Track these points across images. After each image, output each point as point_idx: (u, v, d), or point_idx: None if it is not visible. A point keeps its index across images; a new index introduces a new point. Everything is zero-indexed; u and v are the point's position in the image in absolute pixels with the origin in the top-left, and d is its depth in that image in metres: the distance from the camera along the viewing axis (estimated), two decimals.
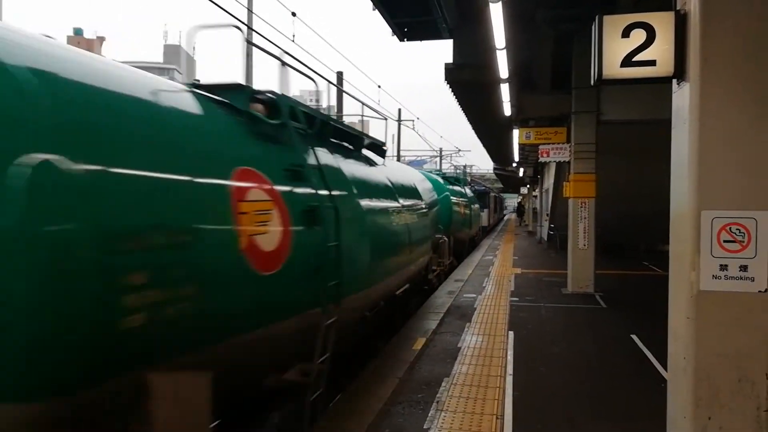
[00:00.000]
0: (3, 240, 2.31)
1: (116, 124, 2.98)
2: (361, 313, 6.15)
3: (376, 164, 7.90)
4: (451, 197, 16.80)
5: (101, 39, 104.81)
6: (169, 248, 3.11)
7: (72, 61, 3.03)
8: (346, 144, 6.77)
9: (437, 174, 19.57)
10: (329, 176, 5.17)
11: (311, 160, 4.96)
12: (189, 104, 3.89)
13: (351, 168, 6.35)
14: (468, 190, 24.36)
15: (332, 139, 6.18)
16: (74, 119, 2.71)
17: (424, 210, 9.95)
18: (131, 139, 3.04)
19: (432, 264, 11.38)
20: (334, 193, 5.08)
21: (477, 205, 26.07)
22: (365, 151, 7.59)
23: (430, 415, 5.11)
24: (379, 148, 8.32)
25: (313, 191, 4.77)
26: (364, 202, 6.27)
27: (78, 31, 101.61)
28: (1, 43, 2.63)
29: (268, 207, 4.10)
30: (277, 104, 4.76)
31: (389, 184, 7.97)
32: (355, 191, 6.02)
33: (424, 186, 11.50)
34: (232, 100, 4.43)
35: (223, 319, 3.50)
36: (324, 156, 5.47)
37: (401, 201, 8.20)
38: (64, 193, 2.50)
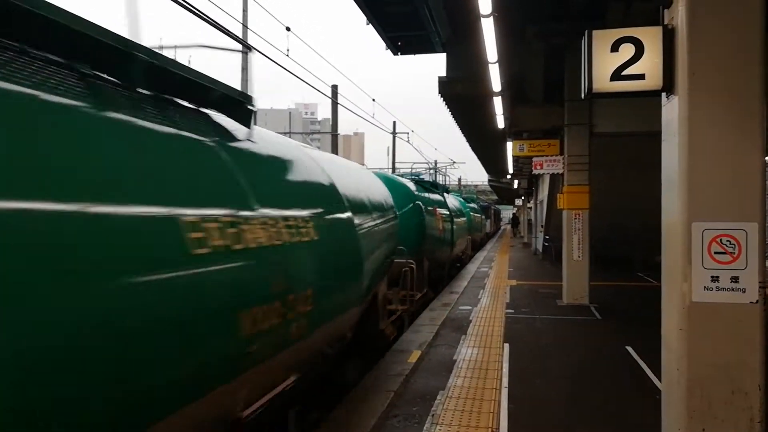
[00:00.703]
0: (414, 218, 11.16)
1: (422, 195, 12.48)
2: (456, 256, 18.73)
3: (447, 196, 17.80)
4: (472, 213, 26.39)
5: None
6: (431, 223, 12.46)
7: (408, 182, 12.42)
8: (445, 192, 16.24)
9: (466, 197, 31.57)
10: (447, 204, 16.04)
11: (443, 200, 15.42)
12: (422, 186, 13.58)
13: (447, 200, 16.37)
14: (478, 207, 34.58)
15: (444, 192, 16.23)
16: (419, 194, 12.20)
17: (467, 219, 21.97)
18: (423, 198, 12.40)
19: (466, 250, 22.76)
20: (450, 212, 15.93)
21: (483, 216, 37.23)
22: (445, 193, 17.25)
23: (425, 428, 5.08)
24: (447, 190, 19.46)
25: (447, 212, 15.42)
26: (453, 215, 16.56)
27: None
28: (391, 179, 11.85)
29: (439, 218, 13.79)
30: (437, 185, 17.69)
31: (456, 205, 19.27)
32: (448, 210, 15.72)
33: (464, 205, 23.37)
34: (424, 183, 14.82)
35: (435, 244, 13.26)
36: (445, 197, 16.26)
37: (459, 214, 18.90)
38: (420, 208, 11.72)
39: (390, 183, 10.47)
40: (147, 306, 2.29)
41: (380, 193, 7.56)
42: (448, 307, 11.48)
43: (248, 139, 4.00)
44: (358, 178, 6.85)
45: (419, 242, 11.30)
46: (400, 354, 7.71)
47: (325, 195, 5.03)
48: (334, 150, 25.21)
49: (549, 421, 5.37)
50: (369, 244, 5.93)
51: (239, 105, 4.00)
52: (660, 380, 4.35)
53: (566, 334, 9.16)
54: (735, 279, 3.60)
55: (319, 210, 4.64)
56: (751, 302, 3.59)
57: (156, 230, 2.47)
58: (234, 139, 3.76)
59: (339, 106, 20.84)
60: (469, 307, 11.41)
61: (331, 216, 4.95)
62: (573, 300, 11.89)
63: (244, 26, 15.44)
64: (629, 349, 8.01)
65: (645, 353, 7.58)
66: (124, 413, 2.16)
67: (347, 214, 5.32)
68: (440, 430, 5.05)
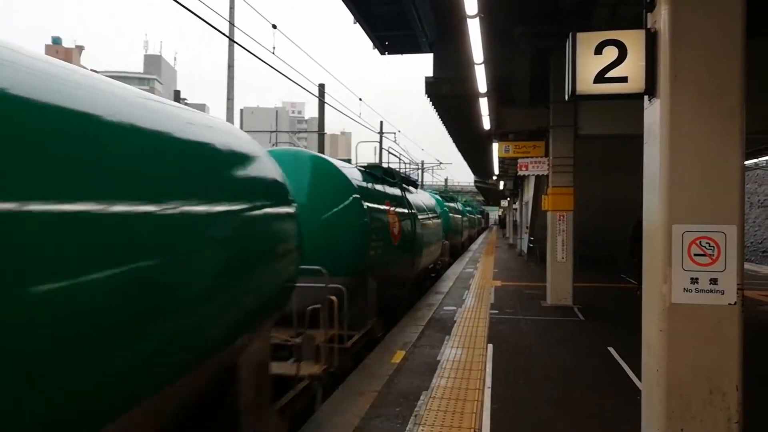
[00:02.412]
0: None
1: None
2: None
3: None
4: (474, 213, 36.69)
5: (80, 48, 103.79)
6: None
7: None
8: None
9: (468, 204, 38.34)
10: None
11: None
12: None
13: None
14: (476, 210, 49.12)
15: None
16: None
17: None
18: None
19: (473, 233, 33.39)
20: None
21: (480, 216, 56.25)
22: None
23: (408, 428, 5.07)
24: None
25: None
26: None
27: (56, 41, 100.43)
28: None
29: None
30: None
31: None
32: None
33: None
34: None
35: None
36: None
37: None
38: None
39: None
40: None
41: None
42: (433, 307, 11.49)
43: (416, 192, 13.55)
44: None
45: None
46: (384, 354, 7.70)
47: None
48: (321, 149, 25.12)
49: (531, 421, 5.39)
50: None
51: (414, 183, 14.41)
52: (640, 380, 4.38)
53: (549, 335, 9.21)
54: (714, 281, 3.64)
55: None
56: (729, 304, 3.63)
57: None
58: (414, 192, 13.19)
59: (326, 105, 20.78)
60: (454, 308, 11.43)
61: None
62: (557, 301, 11.96)
63: (231, 24, 15.32)
64: (611, 350, 8.08)
65: (626, 354, 7.65)
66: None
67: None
68: (423, 430, 5.05)
